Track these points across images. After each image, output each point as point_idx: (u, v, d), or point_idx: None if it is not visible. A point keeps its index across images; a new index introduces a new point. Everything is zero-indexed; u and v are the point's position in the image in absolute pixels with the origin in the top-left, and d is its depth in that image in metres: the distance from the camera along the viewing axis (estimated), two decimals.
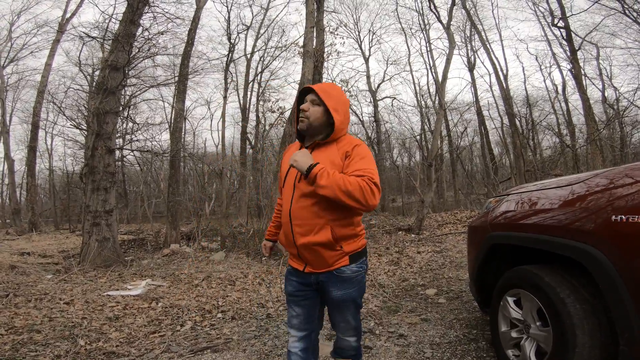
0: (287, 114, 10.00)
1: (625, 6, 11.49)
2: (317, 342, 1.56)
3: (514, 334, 1.72)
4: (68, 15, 14.48)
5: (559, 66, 16.76)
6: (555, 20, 12.64)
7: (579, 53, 12.28)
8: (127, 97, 9.83)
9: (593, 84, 15.82)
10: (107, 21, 6.34)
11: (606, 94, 15.85)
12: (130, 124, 9.22)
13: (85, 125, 7.51)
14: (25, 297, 3.51)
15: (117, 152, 12.02)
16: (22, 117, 19.18)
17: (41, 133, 19.94)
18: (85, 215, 6.13)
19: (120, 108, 6.71)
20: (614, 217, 1.25)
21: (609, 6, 12.03)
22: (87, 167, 6.33)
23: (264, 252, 1.71)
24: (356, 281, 1.39)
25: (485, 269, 2.09)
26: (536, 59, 20.79)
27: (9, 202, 17.03)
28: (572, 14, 12.16)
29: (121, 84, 6.20)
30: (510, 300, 1.78)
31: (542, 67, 18.45)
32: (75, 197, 18.45)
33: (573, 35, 12.12)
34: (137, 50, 6.92)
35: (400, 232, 8.40)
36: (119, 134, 9.13)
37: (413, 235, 7.75)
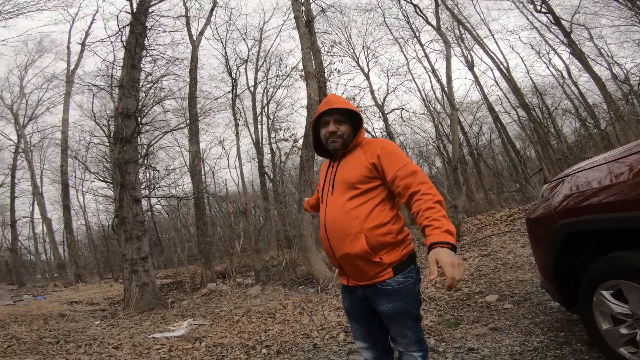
0: (301, 140, 10.00)
1: None
2: (389, 345, 1.49)
3: (623, 331, 1.43)
4: (72, 66, 15.01)
5: (555, 51, 16.33)
6: (537, 6, 12.42)
7: (571, 36, 11.94)
8: (146, 146, 10.14)
9: (598, 63, 15.25)
10: (110, 69, 6.56)
11: (614, 71, 15.23)
12: (153, 173, 9.42)
13: (110, 178, 7.71)
14: (75, 342, 3.53)
15: (144, 201, 12.29)
16: (52, 177, 19.86)
17: (73, 191, 20.93)
18: (123, 263, 6.20)
19: (139, 157, 6.83)
20: None
21: None
22: (117, 218, 6.42)
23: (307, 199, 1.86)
24: (405, 293, 1.28)
25: (563, 264, 1.80)
26: (532, 47, 20.18)
27: (53, 259, 17.68)
28: None
29: (135, 131, 6.32)
30: (607, 294, 1.50)
31: (540, 54, 17.85)
32: (114, 249, 19.03)
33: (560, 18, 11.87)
34: (144, 96, 7.13)
35: None
36: (144, 184, 9.34)
37: (454, 232, 7.30)
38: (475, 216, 10.30)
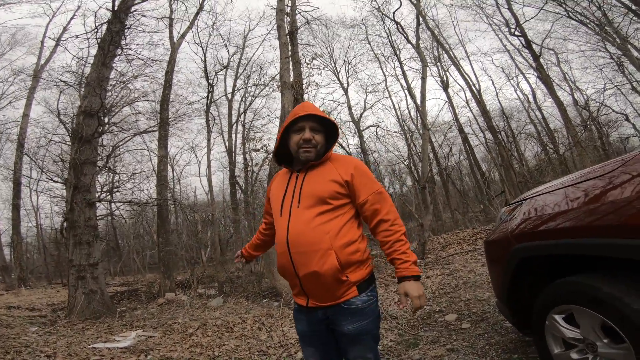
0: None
1: (568, 9, 12.28)
2: None
3: (574, 355, 1.43)
4: (42, 61, 14.27)
5: (523, 75, 17.37)
6: (512, 29, 13.14)
7: (540, 59, 12.77)
8: (111, 148, 9.61)
9: (562, 88, 16.31)
10: (82, 67, 6.22)
11: (575, 97, 16.37)
12: (113, 176, 8.90)
13: (63, 178, 7.20)
14: (4, 349, 3.18)
15: (101, 205, 11.53)
16: (6, 174, 18.35)
17: (27, 190, 19.37)
18: (69, 269, 5.77)
19: (99, 158, 6.44)
20: None
21: (553, 11, 12.76)
22: (66, 221, 5.99)
23: (236, 257, 1.75)
24: (369, 311, 1.26)
25: (517, 287, 1.80)
26: (502, 70, 21.51)
27: None
28: (527, 20, 12.61)
29: (97, 131, 5.97)
30: (559, 318, 1.51)
31: (510, 77, 18.97)
32: (67, 253, 17.73)
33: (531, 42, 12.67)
34: (116, 96, 6.80)
35: None
36: (105, 187, 8.79)
37: (418, 261, 7.39)
38: (440, 235, 10.54)
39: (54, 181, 6.67)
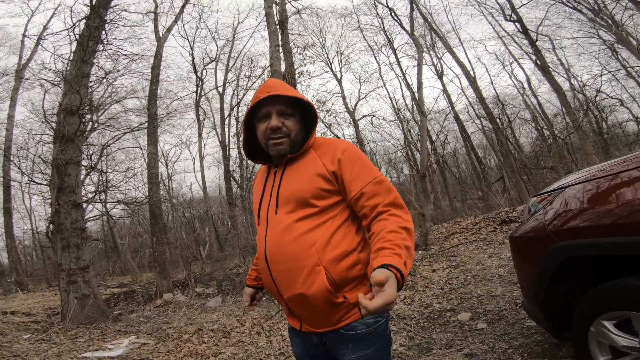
0: None
1: None
2: None
3: None
4: (24, 61, 13.92)
5: (517, 62, 17.33)
6: (507, 15, 12.92)
7: (537, 44, 12.55)
8: (100, 147, 9.29)
9: (558, 74, 16.26)
10: (65, 64, 5.95)
11: (572, 82, 16.37)
12: (100, 176, 8.56)
13: (49, 179, 6.91)
14: None
15: (96, 206, 11.20)
16: None
17: (20, 194, 19.00)
18: (59, 273, 5.56)
19: (84, 157, 6.18)
20: None
21: None
22: (52, 224, 5.73)
23: (246, 302, 1.28)
24: (376, 336, 0.98)
25: (555, 290, 1.56)
26: (496, 57, 21.40)
27: None
28: (523, 4, 12.43)
29: (79, 129, 5.71)
30: (609, 324, 1.31)
31: (504, 65, 18.88)
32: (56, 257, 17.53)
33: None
34: (102, 94, 6.54)
35: None
36: (98, 188, 8.49)
37: (420, 252, 7.18)
38: (441, 224, 10.35)
39: (37, 183, 6.36)
